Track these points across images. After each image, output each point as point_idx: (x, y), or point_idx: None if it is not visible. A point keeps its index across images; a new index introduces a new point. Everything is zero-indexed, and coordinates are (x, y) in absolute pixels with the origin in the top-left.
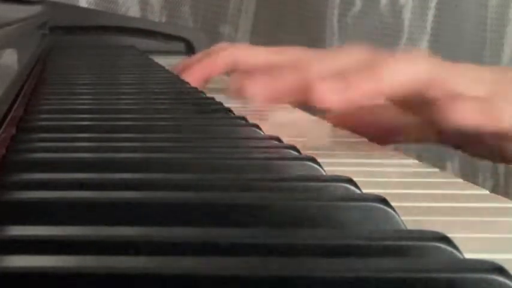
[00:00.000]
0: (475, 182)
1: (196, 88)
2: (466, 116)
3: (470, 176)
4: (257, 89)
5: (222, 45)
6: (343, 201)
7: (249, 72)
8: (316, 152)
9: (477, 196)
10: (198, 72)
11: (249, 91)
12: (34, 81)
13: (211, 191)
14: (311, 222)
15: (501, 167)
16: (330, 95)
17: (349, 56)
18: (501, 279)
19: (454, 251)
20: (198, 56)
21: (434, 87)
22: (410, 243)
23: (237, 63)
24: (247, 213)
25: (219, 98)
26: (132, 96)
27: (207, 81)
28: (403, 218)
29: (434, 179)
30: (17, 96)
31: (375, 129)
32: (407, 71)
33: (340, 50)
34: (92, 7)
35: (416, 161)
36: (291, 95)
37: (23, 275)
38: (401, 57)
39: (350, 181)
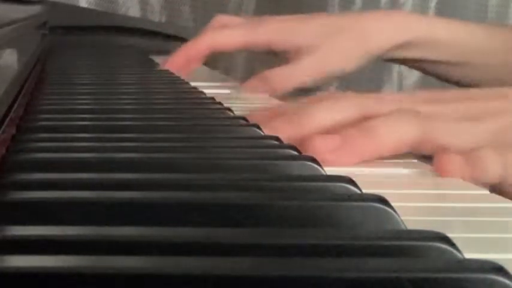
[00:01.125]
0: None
1: (196, 88)
2: (453, 172)
3: None
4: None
5: (214, 21)
6: (343, 201)
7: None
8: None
9: (477, 196)
10: (180, 57)
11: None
12: (34, 81)
13: (211, 191)
14: (311, 222)
15: None
16: (326, 155)
17: (343, 108)
18: (501, 279)
19: (454, 251)
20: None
21: (425, 145)
22: (410, 243)
23: (215, 48)
24: (247, 213)
25: (218, 98)
26: (132, 96)
27: (189, 65)
28: (403, 218)
29: (435, 179)
30: (17, 96)
31: None
32: (400, 131)
33: (332, 99)
34: (92, 7)
35: (416, 161)
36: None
37: (23, 275)
38: (393, 117)
39: (350, 181)
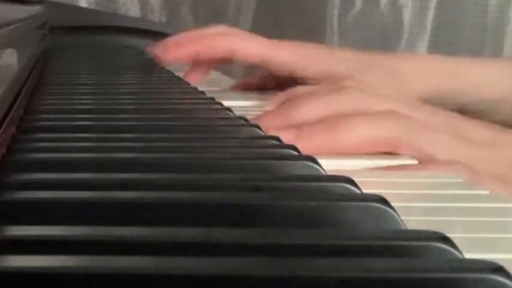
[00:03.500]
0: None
1: (196, 88)
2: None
3: None
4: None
5: (220, 27)
6: (343, 201)
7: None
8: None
9: (477, 196)
10: (190, 49)
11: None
12: (34, 81)
13: (211, 191)
14: (311, 222)
15: None
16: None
17: (321, 104)
18: (501, 279)
19: (454, 251)
20: (190, 33)
21: (400, 148)
22: (410, 243)
23: (234, 52)
24: (247, 213)
25: (218, 97)
26: (132, 96)
27: (195, 62)
28: (403, 218)
29: (435, 179)
30: (17, 96)
31: None
32: (370, 128)
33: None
34: (92, 7)
35: (416, 161)
36: None
37: (23, 275)
38: (366, 116)
39: (350, 181)
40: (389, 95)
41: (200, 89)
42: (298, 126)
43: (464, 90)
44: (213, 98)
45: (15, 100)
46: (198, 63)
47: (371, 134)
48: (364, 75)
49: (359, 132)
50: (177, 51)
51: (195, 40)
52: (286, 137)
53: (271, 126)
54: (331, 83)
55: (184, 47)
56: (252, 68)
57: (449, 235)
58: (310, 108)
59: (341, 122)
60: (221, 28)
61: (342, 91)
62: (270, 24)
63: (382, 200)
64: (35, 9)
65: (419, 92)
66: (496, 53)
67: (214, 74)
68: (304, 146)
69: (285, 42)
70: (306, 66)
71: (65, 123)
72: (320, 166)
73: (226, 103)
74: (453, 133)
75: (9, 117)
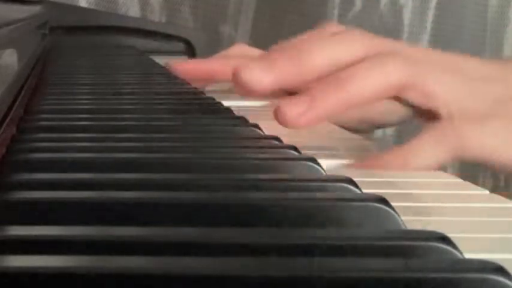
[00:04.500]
0: (475, 182)
1: (196, 88)
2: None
3: (470, 176)
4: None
5: (241, 47)
6: (343, 201)
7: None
8: (316, 152)
9: (477, 196)
10: (203, 71)
11: (245, 78)
12: (34, 81)
13: (211, 191)
14: (311, 222)
15: None
16: (295, 119)
17: (346, 48)
18: (501, 279)
19: (454, 251)
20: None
21: (411, 91)
22: (410, 243)
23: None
24: (247, 213)
25: (218, 97)
26: (132, 96)
27: (208, 80)
28: (403, 218)
29: (435, 179)
30: (17, 96)
31: None
32: (378, 76)
33: (336, 36)
34: (92, 7)
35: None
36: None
37: (23, 275)
38: (370, 61)
39: (350, 181)
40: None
41: (200, 89)
42: (308, 94)
43: None
44: (213, 98)
45: (15, 100)
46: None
47: (379, 83)
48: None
49: (368, 83)
50: (189, 72)
51: (210, 63)
52: (296, 111)
53: (281, 67)
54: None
55: (196, 69)
56: None
57: (449, 235)
58: (323, 56)
59: (348, 77)
60: (239, 46)
61: (345, 36)
62: (270, 24)
63: (382, 200)
64: (35, 9)
65: None
66: (496, 53)
67: None
68: (317, 113)
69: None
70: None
71: (65, 123)
72: (320, 166)
73: (226, 103)
74: (451, 70)
75: (9, 117)
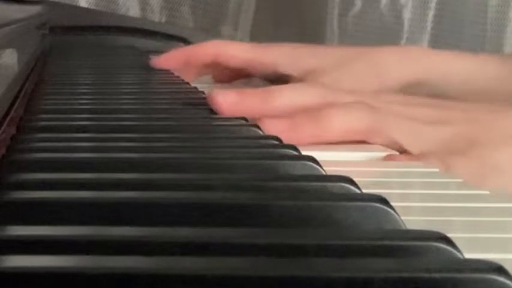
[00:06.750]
0: None
1: (196, 88)
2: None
3: None
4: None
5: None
6: (343, 201)
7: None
8: (312, 149)
9: (477, 196)
10: (178, 55)
11: (217, 102)
12: (34, 81)
13: (211, 191)
14: (311, 222)
15: None
16: (276, 133)
17: (304, 95)
18: (501, 279)
19: (454, 251)
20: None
21: (375, 136)
22: (410, 243)
23: (219, 56)
24: (247, 213)
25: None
26: (132, 96)
27: (188, 70)
28: (403, 218)
29: (435, 179)
30: (17, 96)
31: None
32: (348, 118)
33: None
34: (92, 7)
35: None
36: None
37: (23, 275)
38: (345, 105)
39: (350, 181)
40: (361, 89)
41: (200, 88)
42: (289, 117)
43: (440, 81)
44: None
45: (15, 100)
46: (187, 70)
47: (361, 124)
48: (345, 69)
49: (338, 122)
50: (165, 61)
51: (183, 49)
52: (276, 127)
53: (248, 104)
54: (313, 79)
55: (173, 55)
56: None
57: (449, 235)
58: (287, 97)
59: (327, 112)
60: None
61: (307, 85)
62: (270, 24)
63: (382, 200)
64: (35, 9)
65: (395, 82)
66: (496, 53)
67: None
68: (295, 137)
69: (268, 44)
70: (287, 65)
71: (65, 123)
72: (320, 166)
73: None
74: (413, 118)
75: (9, 117)
